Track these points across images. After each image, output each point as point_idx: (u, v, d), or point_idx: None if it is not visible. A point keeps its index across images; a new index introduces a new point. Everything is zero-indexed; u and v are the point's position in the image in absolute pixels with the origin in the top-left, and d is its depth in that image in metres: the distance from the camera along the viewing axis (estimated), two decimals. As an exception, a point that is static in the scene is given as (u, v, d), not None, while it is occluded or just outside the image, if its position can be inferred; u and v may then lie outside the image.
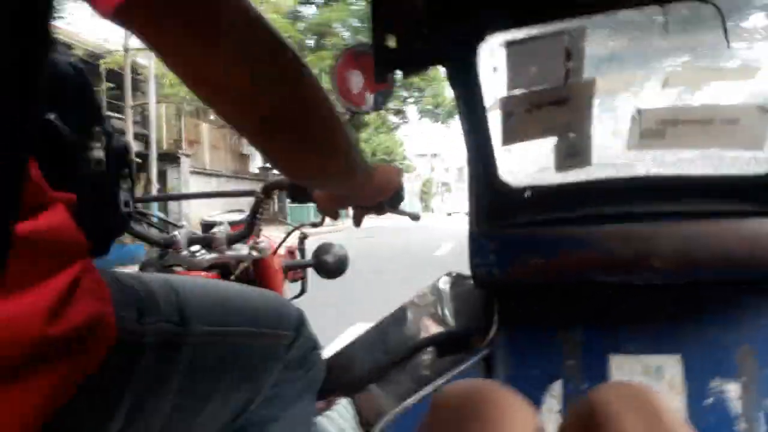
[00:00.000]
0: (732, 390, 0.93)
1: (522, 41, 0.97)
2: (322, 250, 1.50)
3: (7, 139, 0.33)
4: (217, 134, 19.60)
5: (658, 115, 0.98)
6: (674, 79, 0.94)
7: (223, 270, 1.26)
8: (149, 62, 13.51)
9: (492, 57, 0.99)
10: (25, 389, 0.40)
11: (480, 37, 0.93)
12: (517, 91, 1.02)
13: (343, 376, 1.14)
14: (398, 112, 26.01)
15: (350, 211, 0.92)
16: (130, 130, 13.45)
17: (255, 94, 0.46)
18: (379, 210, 0.89)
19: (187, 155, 16.40)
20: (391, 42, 0.87)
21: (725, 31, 0.85)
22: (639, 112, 0.99)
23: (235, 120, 0.49)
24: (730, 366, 0.94)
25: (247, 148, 20.55)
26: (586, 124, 1.01)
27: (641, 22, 0.91)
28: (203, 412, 0.64)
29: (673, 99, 0.96)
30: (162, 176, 14.74)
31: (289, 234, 1.44)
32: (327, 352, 1.05)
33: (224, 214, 1.41)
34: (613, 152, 1.05)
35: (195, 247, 1.21)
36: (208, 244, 1.23)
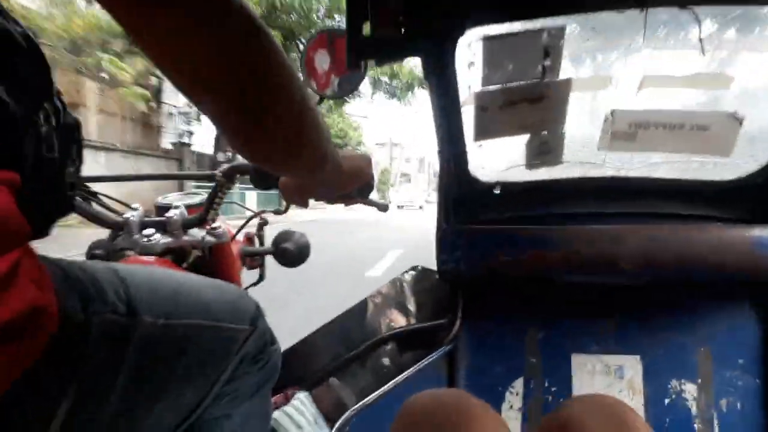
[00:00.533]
0: (689, 391, 0.96)
1: (500, 37, 0.95)
2: (283, 237, 1.45)
3: None
4: (112, 97, 14.73)
5: (630, 118, 0.98)
6: (649, 83, 0.94)
7: (178, 255, 1.20)
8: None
9: (468, 51, 0.97)
10: None
11: (459, 32, 0.91)
12: (492, 87, 1.01)
13: (302, 370, 1.12)
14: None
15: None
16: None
17: (230, 76, 0.43)
18: (348, 199, 0.86)
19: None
20: (367, 29, 0.84)
21: (701, 39, 0.86)
22: (612, 113, 0.99)
23: (204, 102, 0.46)
24: (689, 367, 0.97)
25: (158, 119, 16.72)
26: (559, 123, 1.01)
27: (620, 23, 0.91)
28: (154, 407, 0.61)
29: (646, 102, 0.97)
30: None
31: (248, 220, 1.39)
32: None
33: (182, 196, 1.34)
34: (584, 152, 1.05)
35: (149, 231, 1.14)
36: (162, 227, 1.16)
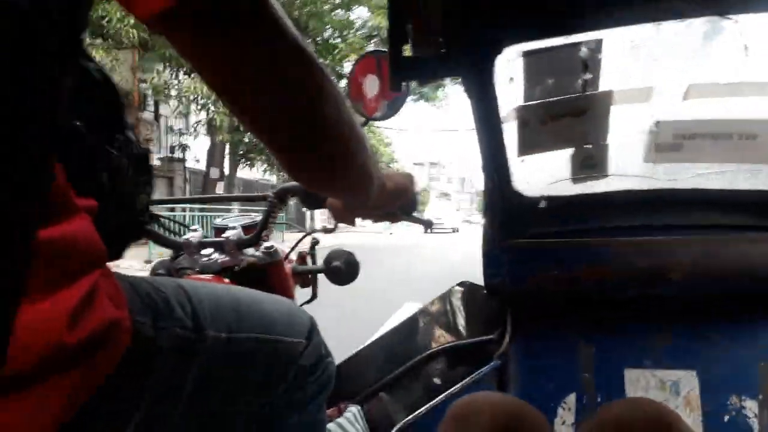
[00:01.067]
0: (750, 407, 0.92)
1: (539, 51, 0.97)
2: (333, 256, 1.49)
3: (37, 143, 0.33)
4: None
5: (675, 128, 0.97)
6: (695, 92, 0.93)
7: (235, 274, 1.26)
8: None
9: (508, 67, 0.98)
10: (43, 393, 0.40)
11: (497, 50, 0.92)
12: (533, 102, 1.02)
13: (354, 384, 1.14)
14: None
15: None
16: None
17: (286, 114, 0.46)
18: (392, 217, 0.89)
19: None
20: (408, 51, 0.87)
21: (745, 46, 0.84)
22: (656, 124, 0.98)
23: (260, 132, 0.49)
24: (748, 382, 0.93)
25: (145, 131, 14.23)
26: (602, 136, 1.01)
27: (660, 33, 0.91)
28: (216, 418, 0.64)
29: (691, 113, 0.96)
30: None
31: (301, 239, 1.44)
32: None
33: (238, 217, 1.41)
34: (630, 164, 1.04)
35: (207, 251, 1.21)
36: (220, 247, 1.23)
